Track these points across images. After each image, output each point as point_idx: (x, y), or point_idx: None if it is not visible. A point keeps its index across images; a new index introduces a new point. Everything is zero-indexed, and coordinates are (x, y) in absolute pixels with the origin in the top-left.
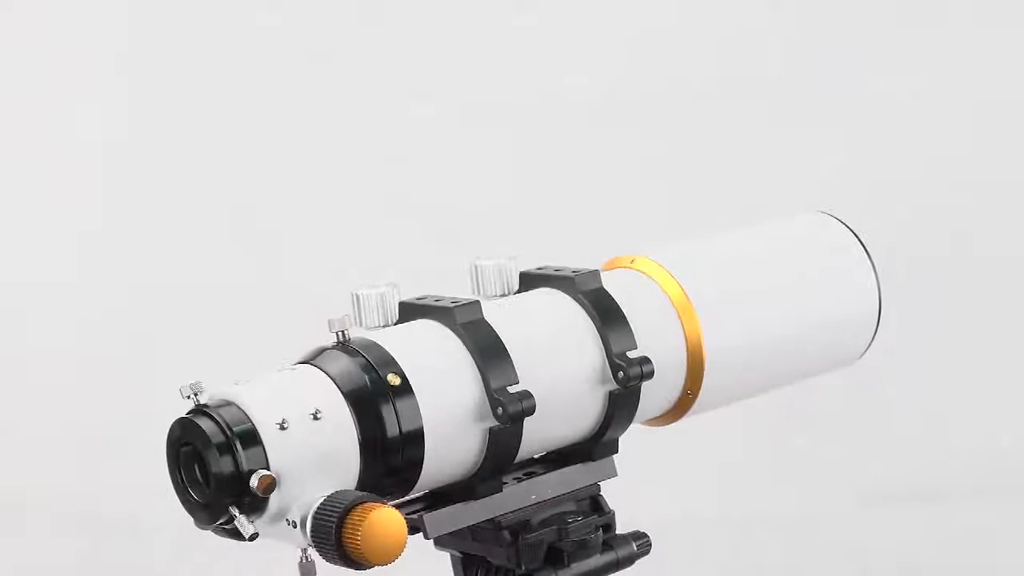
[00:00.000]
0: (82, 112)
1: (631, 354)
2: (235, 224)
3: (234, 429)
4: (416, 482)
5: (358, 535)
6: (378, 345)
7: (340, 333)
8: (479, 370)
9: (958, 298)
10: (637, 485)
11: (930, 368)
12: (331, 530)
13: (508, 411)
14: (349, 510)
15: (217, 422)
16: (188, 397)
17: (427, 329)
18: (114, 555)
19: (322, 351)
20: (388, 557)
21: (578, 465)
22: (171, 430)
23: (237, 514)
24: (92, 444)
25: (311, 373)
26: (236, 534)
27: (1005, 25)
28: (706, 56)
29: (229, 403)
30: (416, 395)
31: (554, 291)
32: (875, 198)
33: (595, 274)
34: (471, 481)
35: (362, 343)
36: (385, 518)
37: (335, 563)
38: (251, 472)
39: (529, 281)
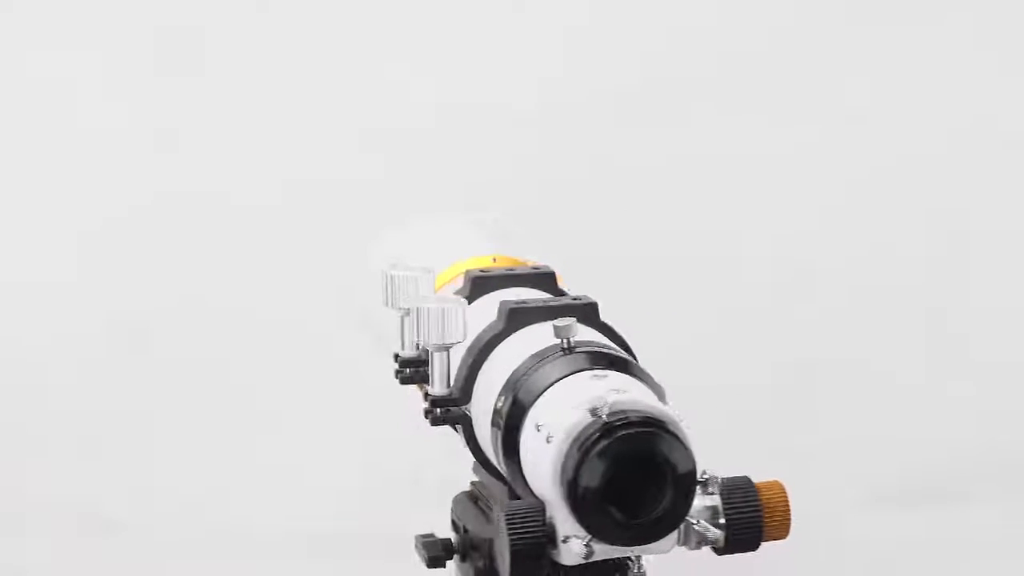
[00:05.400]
0: (81, 111)
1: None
2: (234, 223)
3: (680, 434)
4: None
5: (779, 512)
6: (616, 348)
7: (568, 340)
8: None
9: (956, 297)
10: None
11: (930, 367)
12: (757, 514)
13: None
14: (758, 492)
15: (670, 431)
16: (600, 416)
17: (588, 331)
18: (114, 555)
19: (572, 354)
20: None
21: None
22: (612, 448)
23: (700, 521)
24: (92, 444)
25: (623, 378)
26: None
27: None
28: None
29: (640, 411)
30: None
31: (537, 290)
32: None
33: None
34: None
35: (603, 345)
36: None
37: (743, 549)
38: (699, 477)
39: (491, 283)
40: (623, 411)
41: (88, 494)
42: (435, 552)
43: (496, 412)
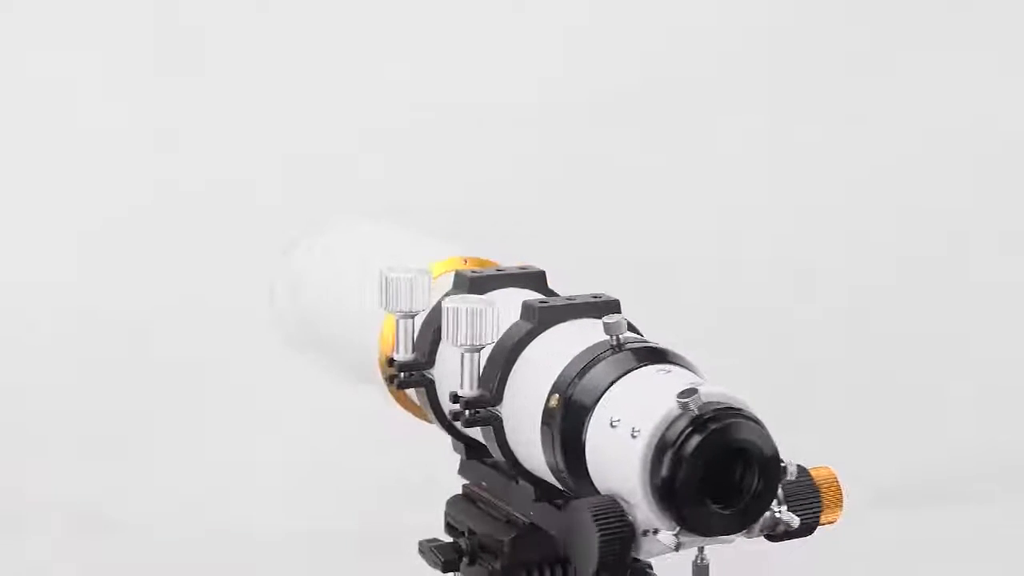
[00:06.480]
0: (81, 111)
1: None
2: (234, 223)
3: (761, 422)
4: None
5: (833, 497)
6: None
7: (617, 337)
8: None
9: (956, 297)
10: None
11: (930, 367)
12: (816, 500)
13: None
14: (811, 477)
15: (753, 419)
16: (692, 409)
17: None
18: (114, 555)
19: (622, 351)
20: None
21: None
22: (709, 441)
23: (782, 508)
24: (92, 444)
25: (685, 371)
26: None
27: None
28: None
29: (725, 403)
30: None
31: (529, 290)
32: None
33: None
34: None
35: (647, 340)
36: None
37: (799, 535)
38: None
39: (486, 284)
40: (711, 403)
41: (88, 494)
42: (449, 556)
43: (547, 411)
